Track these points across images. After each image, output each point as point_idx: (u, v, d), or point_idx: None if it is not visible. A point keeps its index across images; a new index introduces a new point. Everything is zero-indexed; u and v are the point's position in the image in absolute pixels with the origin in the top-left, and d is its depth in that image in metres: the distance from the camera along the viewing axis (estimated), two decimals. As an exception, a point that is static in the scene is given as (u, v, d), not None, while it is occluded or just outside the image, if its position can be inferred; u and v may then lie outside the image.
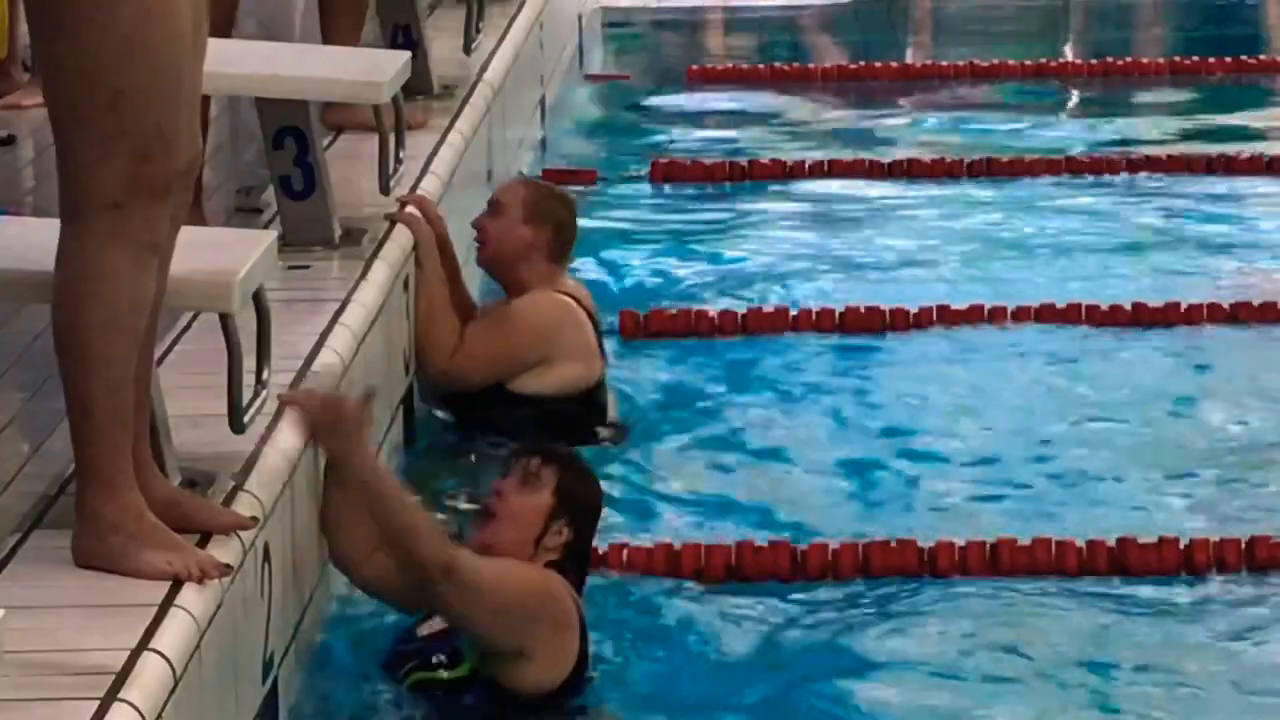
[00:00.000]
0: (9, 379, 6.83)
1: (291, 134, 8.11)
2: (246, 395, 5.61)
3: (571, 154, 12.80)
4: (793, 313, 11.34)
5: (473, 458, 8.54)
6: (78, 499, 5.10)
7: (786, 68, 15.56)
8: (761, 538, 8.11)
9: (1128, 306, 11.74)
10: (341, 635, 6.77)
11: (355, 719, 6.32)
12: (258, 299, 5.60)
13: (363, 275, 7.35)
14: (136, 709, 4.30)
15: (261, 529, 5.45)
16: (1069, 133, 16.33)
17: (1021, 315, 11.61)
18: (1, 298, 6.32)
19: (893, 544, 8.06)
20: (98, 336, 4.91)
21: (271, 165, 8.11)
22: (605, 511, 7.02)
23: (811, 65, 15.74)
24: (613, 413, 9.38)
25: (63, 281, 4.95)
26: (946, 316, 11.62)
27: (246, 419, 5.63)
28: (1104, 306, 11.71)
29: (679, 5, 15.40)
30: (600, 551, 7.19)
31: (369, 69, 8.36)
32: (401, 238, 8.04)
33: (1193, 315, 11.66)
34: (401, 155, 8.19)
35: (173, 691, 4.56)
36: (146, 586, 4.91)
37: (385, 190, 8.19)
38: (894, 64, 17.15)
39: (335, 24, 9.41)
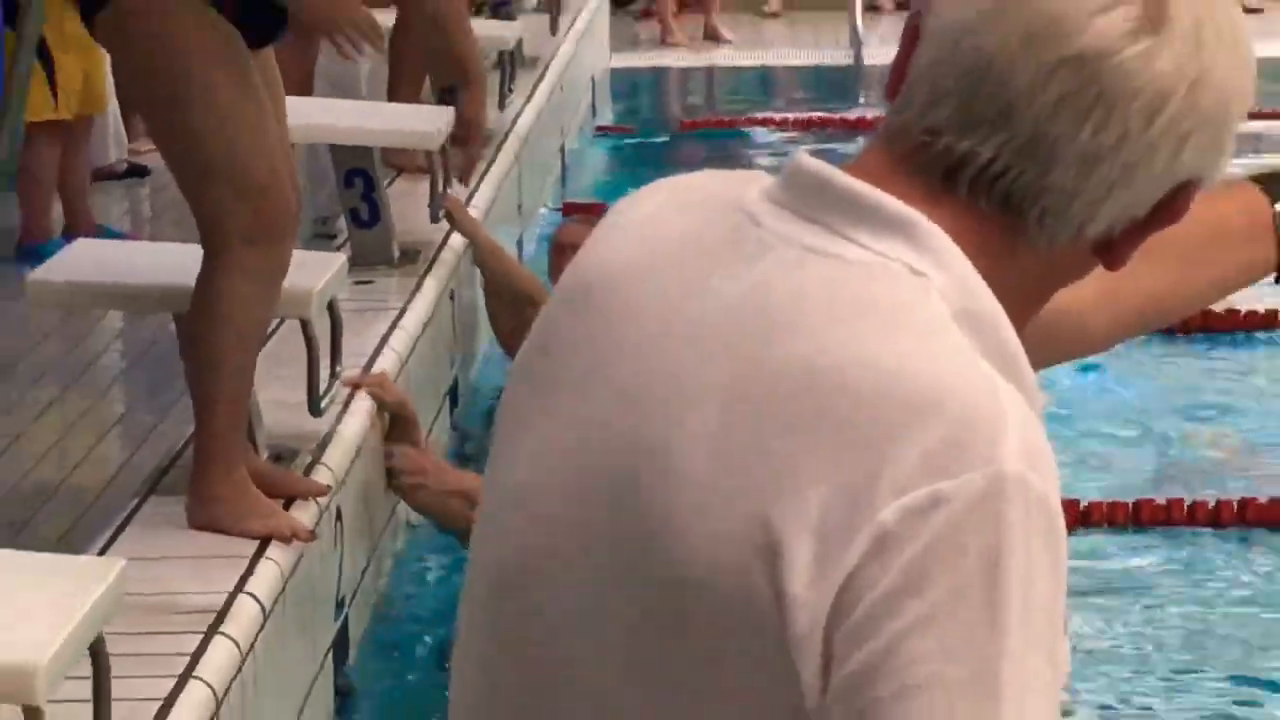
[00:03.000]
0: (128, 375, 7.02)
1: (359, 174, 8.23)
2: (322, 386, 5.72)
3: (586, 191, 12.67)
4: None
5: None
6: (195, 474, 5.29)
7: (766, 117, 14.87)
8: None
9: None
10: (402, 580, 6.68)
11: (412, 651, 6.19)
12: (332, 308, 5.75)
13: (416, 289, 7.43)
14: (233, 640, 4.60)
15: (335, 494, 5.63)
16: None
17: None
18: (133, 309, 6.49)
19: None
20: (228, 352, 5.08)
21: (343, 200, 8.25)
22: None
23: (788, 115, 14.96)
24: None
25: (201, 304, 5.11)
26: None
27: (323, 405, 5.83)
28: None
29: (672, 66, 15.58)
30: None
31: (423, 122, 8.38)
32: (449, 258, 7.97)
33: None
34: (448, 191, 8.19)
35: (262, 627, 4.81)
36: (242, 543, 5.08)
37: (435, 219, 8.10)
38: (852, 116, 15.15)
39: (398, 85, 9.35)
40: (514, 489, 1.63)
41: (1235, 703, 6.30)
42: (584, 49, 12.13)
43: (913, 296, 1.50)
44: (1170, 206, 1.56)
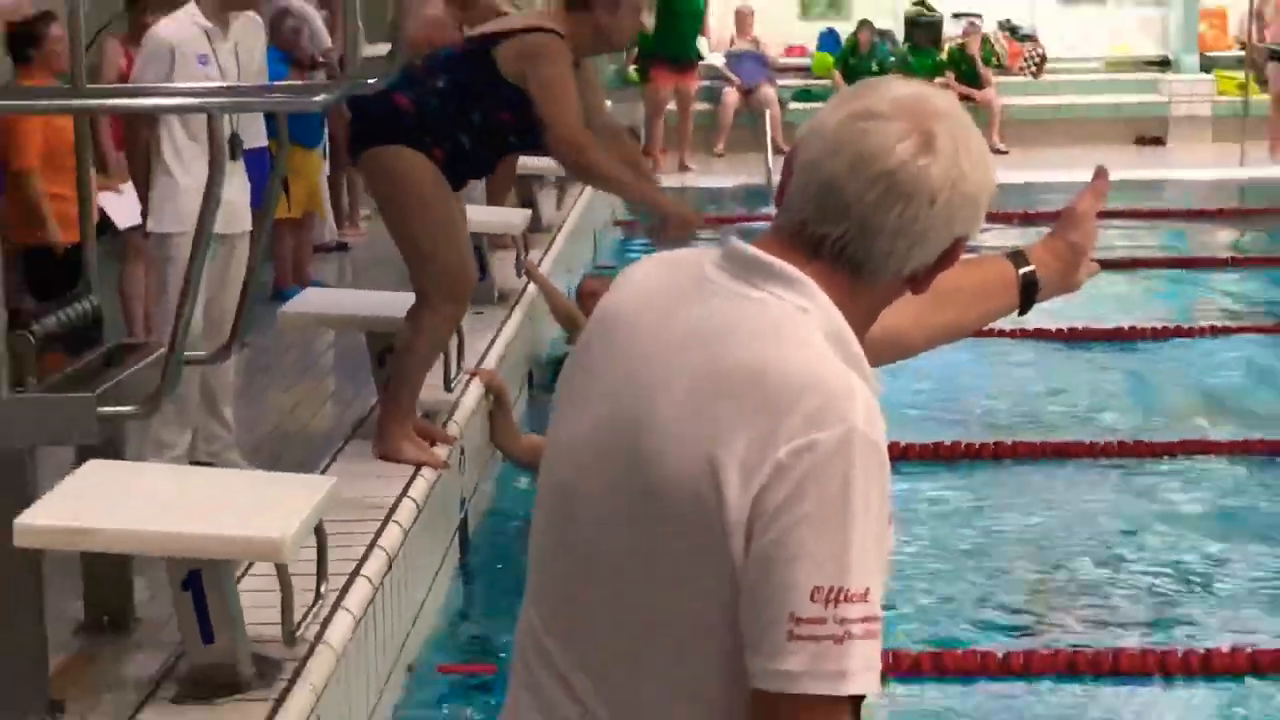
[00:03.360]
0: (338, 368, 7.08)
1: (477, 249, 6.46)
2: (452, 373, 5.86)
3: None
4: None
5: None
6: (380, 424, 5.36)
7: (714, 216, 11.93)
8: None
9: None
10: (503, 494, 6.44)
11: (508, 540, 5.89)
12: (459, 330, 5.80)
13: (508, 316, 7.21)
14: (400, 525, 4.69)
15: (460, 439, 5.62)
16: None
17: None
18: (341, 328, 6.54)
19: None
20: (420, 357, 5.25)
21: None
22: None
23: (726, 215, 12.36)
24: None
25: (410, 329, 5.22)
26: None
27: (452, 384, 5.87)
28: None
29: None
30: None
31: (510, 217, 7.96)
32: (527, 299, 7.62)
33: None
34: (527, 259, 7.86)
35: (416, 517, 4.88)
36: (406, 467, 5.16)
37: (519, 275, 7.70)
38: (765, 213, 11.66)
39: (495, 192, 8.42)
40: (564, 444, 1.68)
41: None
42: (595, 204, 10.88)
43: (799, 323, 1.58)
44: (950, 254, 1.64)
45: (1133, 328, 8.71)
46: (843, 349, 1.58)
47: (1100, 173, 2.28)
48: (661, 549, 1.53)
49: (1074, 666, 4.91)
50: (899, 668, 4.70)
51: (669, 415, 1.54)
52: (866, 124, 1.58)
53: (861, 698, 1.48)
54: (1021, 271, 2.08)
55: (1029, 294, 2.11)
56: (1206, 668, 4.86)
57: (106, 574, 4.10)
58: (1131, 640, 5.19)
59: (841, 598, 1.44)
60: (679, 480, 1.51)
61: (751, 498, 1.48)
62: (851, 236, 1.58)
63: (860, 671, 1.45)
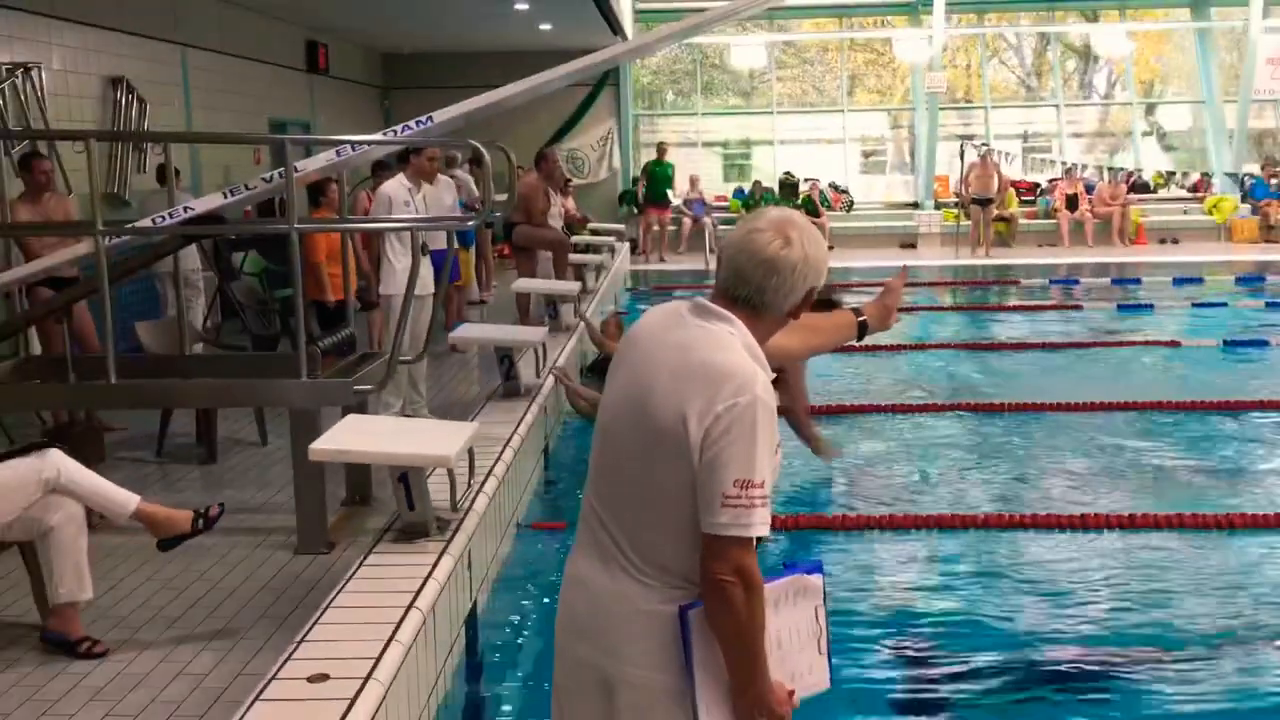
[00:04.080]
0: (483, 368, 6.47)
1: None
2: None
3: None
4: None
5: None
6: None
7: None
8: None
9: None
10: (568, 433, 5.52)
11: (577, 456, 5.06)
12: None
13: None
14: (512, 448, 4.23)
15: (549, 392, 5.14)
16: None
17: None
18: (483, 346, 5.81)
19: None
20: None
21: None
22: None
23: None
24: None
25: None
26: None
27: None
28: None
29: (640, 268, 12.62)
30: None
31: (570, 285, 7.36)
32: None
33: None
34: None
35: (521, 445, 4.37)
36: (516, 416, 4.63)
37: (576, 316, 6.76)
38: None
39: (559, 270, 7.79)
40: (608, 404, 1.61)
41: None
42: (615, 276, 9.67)
43: (728, 340, 1.52)
44: (809, 296, 1.58)
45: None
46: (753, 353, 1.54)
47: (904, 270, 2.28)
48: (657, 459, 1.50)
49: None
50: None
51: (661, 389, 1.50)
52: (754, 235, 1.56)
53: (760, 540, 1.46)
54: (859, 319, 2.00)
55: (861, 331, 2.00)
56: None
57: (357, 473, 4.07)
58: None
59: (748, 485, 1.43)
60: (667, 424, 1.48)
61: (703, 432, 1.45)
62: (752, 292, 1.55)
63: (758, 524, 1.44)
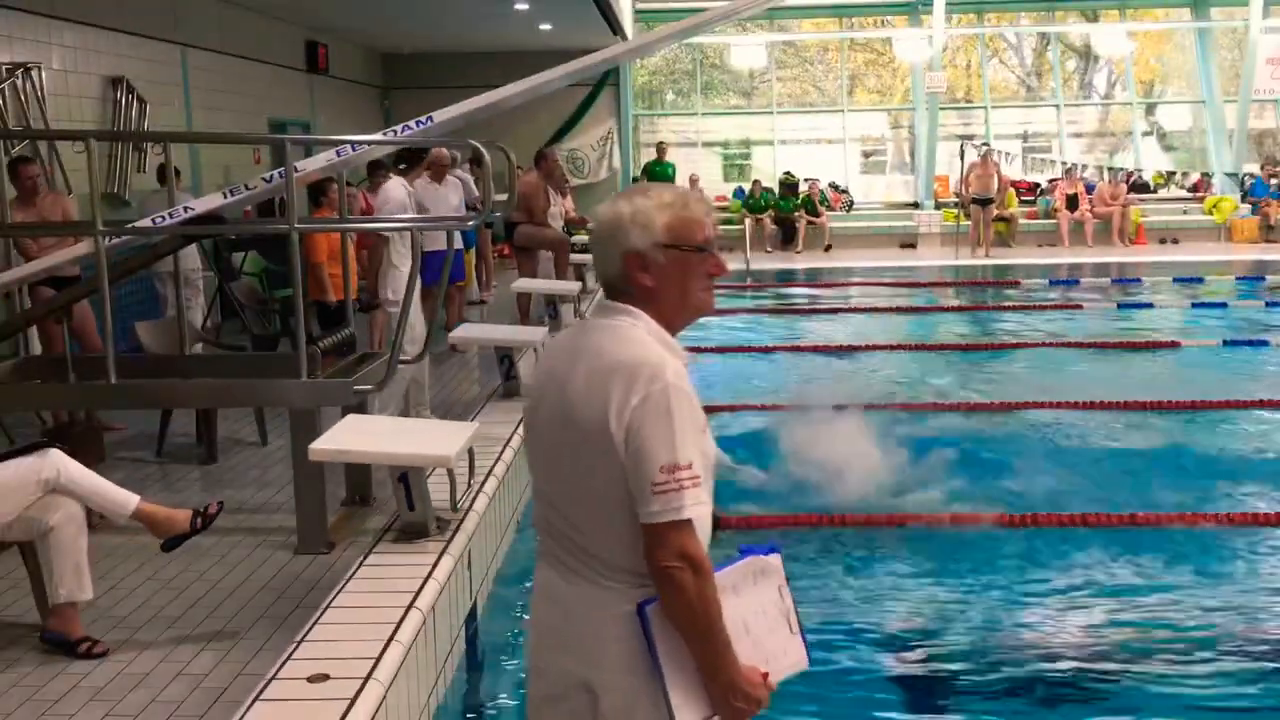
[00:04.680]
0: (482, 366, 6.40)
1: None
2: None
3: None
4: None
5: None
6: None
7: None
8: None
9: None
10: None
11: None
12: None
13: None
14: (511, 448, 4.26)
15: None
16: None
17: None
18: (483, 346, 5.83)
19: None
20: None
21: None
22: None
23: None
24: None
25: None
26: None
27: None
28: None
29: None
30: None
31: (571, 285, 7.36)
32: None
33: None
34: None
35: (520, 445, 4.32)
36: (516, 419, 4.55)
37: (575, 315, 6.97)
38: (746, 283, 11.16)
39: (560, 269, 7.88)
40: (538, 425, 1.57)
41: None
42: None
43: (633, 332, 1.50)
44: (663, 252, 1.51)
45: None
46: (659, 338, 1.50)
47: None
48: (595, 466, 1.47)
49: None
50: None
51: (579, 397, 1.47)
52: (600, 231, 1.53)
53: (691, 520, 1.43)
54: None
55: None
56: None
57: (358, 473, 4.06)
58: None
59: (674, 468, 1.41)
60: (593, 429, 1.45)
61: (624, 429, 1.43)
62: (615, 277, 1.53)
63: (690, 505, 1.41)
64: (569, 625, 1.52)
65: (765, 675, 1.48)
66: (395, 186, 5.60)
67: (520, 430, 4.38)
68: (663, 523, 1.41)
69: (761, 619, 1.51)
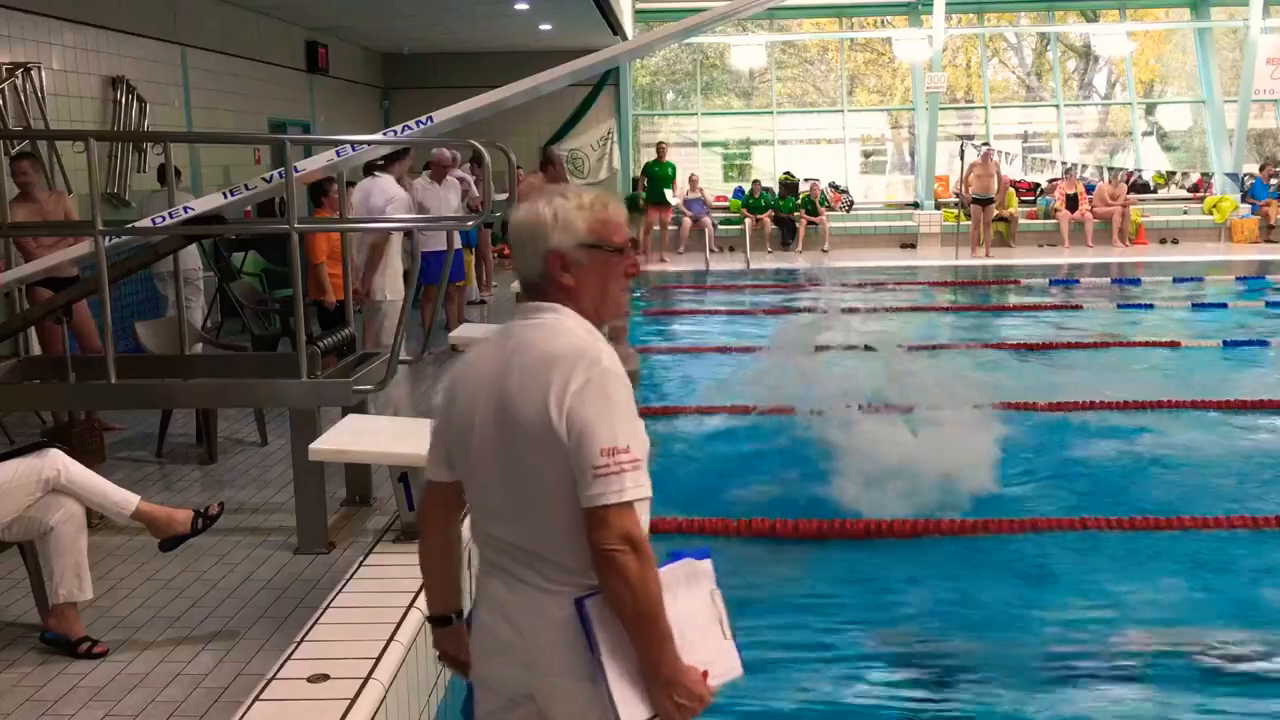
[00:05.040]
0: None
1: None
2: None
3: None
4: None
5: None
6: None
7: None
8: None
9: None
10: None
11: None
12: None
13: None
14: None
15: None
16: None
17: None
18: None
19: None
20: None
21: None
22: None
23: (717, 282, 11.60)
24: None
25: None
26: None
27: None
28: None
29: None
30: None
31: None
32: None
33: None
34: None
35: None
36: None
37: None
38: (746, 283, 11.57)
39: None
40: (463, 430, 1.53)
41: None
42: None
43: (561, 323, 1.49)
44: (554, 261, 1.51)
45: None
46: (586, 328, 1.50)
47: None
48: (538, 463, 1.44)
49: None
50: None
51: (516, 395, 1.46)
52: (520, 231, 1.51)
53: (634, 502, 1.41)
54: None
55: None
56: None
57: (357, 473, 4.04)
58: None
59: (614, 451, 1.40)
60: (533, 424, 1.43)
61: (564, 417, 1.42)
62: (535, 276, 1.52)
63: (632, 488, 1.40)
64: (516, 634, 1.49)
65: (705, 674, 1.46)
66: (364, 186, 5.55)
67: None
68: (604, 505, 1.39)
69: (694, 623, 1.48)
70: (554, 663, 1.46)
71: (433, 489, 1.63)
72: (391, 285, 5.40)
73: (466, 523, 1.62)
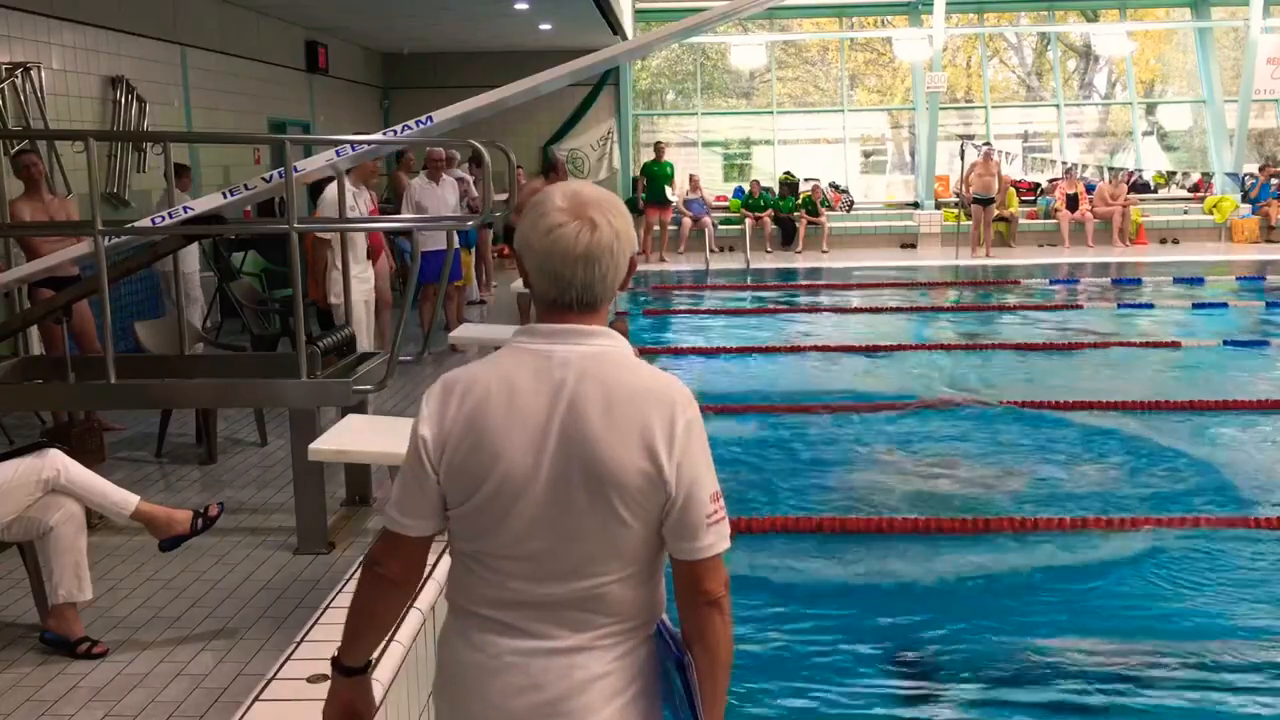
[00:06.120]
0: None
1: None
2: None
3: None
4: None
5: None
6: None
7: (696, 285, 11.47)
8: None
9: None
10: None
11: None
12: None
13: None
14: None
15: None
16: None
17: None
18: (482, 344, 5.64)
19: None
20: None
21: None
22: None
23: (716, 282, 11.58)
24: None
25: None
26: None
27: None
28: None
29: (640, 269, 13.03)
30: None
31: None
32: None
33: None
34: None
35: None
36: None
37: None
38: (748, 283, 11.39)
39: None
40: (505, 480, 1.31)
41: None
42: None
43: (626, 353, 1.33)
44: (632, 268, 1.37)
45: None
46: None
47: None
48: (622, 506, 1.28)
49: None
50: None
51: (601, 434, 1.27)
52: (557, 233, 1.32)
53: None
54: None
55: None
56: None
57: (357, 473, 4.06)
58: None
59: (717, 497, 1.30)
60: (628, 466, 1.28)
61: (674, 458, 1.29)
62: (582, 291, 1.33)
63: (729, 533, 1.31)
64: (543, 705, 1.30)
65: None
66: (334, 188, 5.46)
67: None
68: (717, 554, 1.29)
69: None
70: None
71: (403, 545, 1.35)
72: (336, 290, 5.23)
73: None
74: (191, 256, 6.30)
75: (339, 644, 1.44)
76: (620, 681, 1.31)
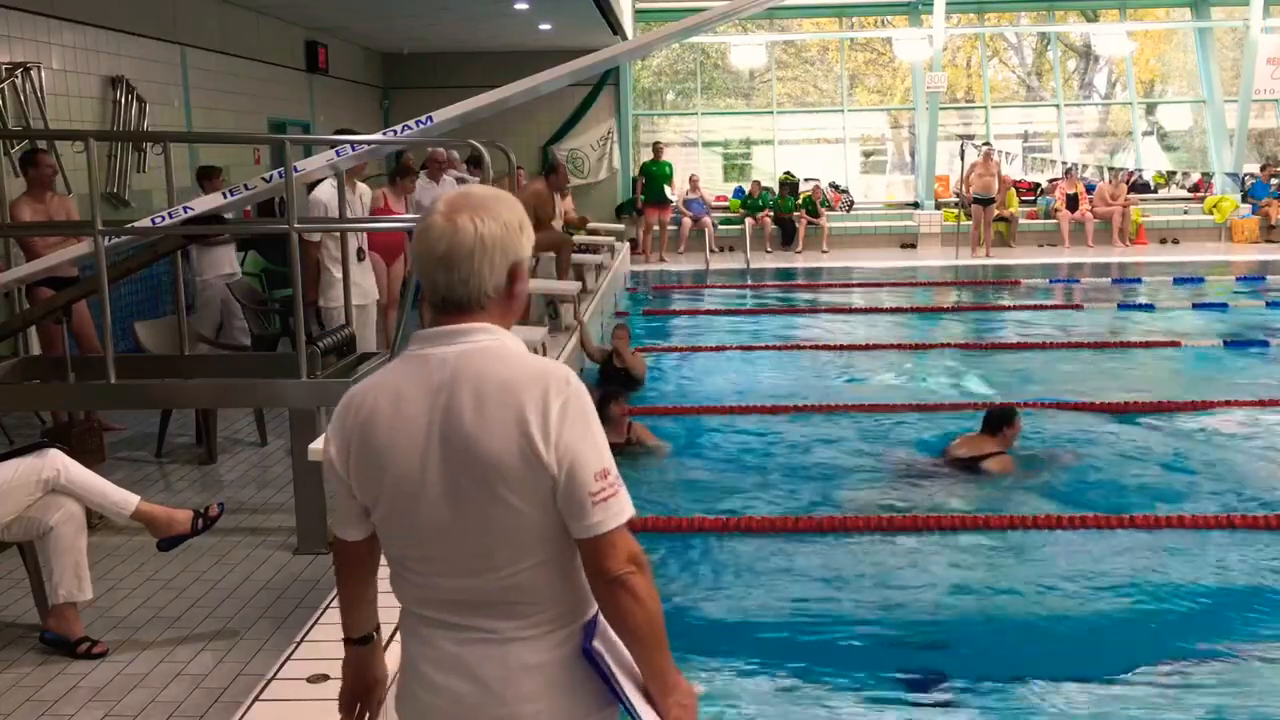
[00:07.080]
0: None
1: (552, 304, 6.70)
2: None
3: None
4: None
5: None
6: None
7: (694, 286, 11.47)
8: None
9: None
10: None
11: None
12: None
13: (569, 339, 6.50)
14: None
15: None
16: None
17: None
18: None
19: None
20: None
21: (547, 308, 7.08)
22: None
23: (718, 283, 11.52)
24: None
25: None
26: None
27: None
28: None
29: (638, 269, 12.35)
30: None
31: (570, 285, 7.10)
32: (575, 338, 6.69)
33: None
34: (579, 317, 7.11)
35: None
36: None
37: (574, 317, 6.90)
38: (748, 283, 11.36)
39: (561, 270, 7.61)
40: (401, 494, 1.35)
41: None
42: (615, 278, 9.49)
43: (503, 344, 1.34)
44: (518, 272, 1.36)
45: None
46: (521, 346, 1.38)
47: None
48: (505, 489, 1.30)
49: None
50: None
51: (476, 429, 1.29)
52: (426, 233, 1.33)
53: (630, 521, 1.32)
54: None
55: None
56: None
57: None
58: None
59: (605, 474, 1.29)
60: (508, 455, 1.29)
61: (550, 440, 1.29)
62: (460, 291, 1.33)
63: (628, 506, 1.30)
64: (480, 690, 1.34)
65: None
66: (324, 187, 5.34)
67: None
68: (609, 530, 1.29)
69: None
70: (538, 712, 1.34)
71: (346, 549, 1.48)
72: (326, 293, 5.20)
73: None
74: (225, 260, 6.15)
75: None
76: (558, 671, 1.33)
